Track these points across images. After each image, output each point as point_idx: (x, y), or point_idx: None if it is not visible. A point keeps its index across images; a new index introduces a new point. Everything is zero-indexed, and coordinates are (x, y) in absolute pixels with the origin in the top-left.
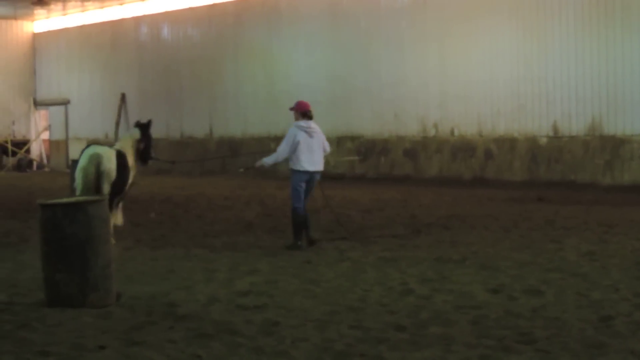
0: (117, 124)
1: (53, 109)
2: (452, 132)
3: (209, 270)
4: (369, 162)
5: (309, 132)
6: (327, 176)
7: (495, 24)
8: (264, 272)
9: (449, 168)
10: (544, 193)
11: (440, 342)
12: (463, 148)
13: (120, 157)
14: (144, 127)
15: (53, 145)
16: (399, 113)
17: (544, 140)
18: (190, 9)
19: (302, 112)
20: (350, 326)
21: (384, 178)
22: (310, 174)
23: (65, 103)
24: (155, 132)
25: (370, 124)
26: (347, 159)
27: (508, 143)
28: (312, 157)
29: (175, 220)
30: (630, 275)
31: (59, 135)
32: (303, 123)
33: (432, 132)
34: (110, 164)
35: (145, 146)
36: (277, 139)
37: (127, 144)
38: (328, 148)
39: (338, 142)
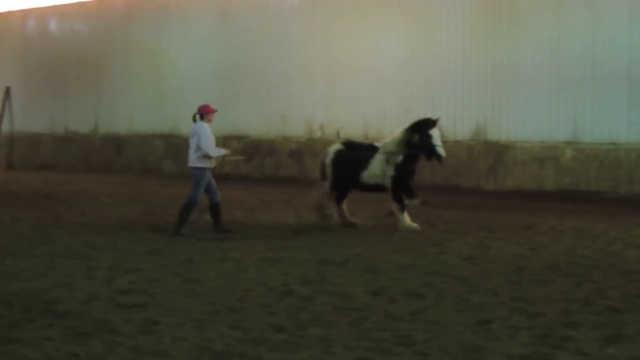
0: (1, 117)
1: None
2: (338, 134)
3: (90, 267)
4: (255, 162)
5: (191, 133)
6: (213, 176)
7: (383, 27)
8: (145, 271)
9: None
10: (428, 197)
11: (319, 344)
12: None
13: (339, 154)
14: (417, 126)
15: None
16: (285, 114)
17: None
18: (79, 4)
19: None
20: (230, 326)
21: (269, 179)
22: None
23: None
24: (40, 127)
25: (256, 124)
26: (233, 158)
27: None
28: (189, 155)
29: (57, 217)
30: (510, 280)
31: None
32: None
33: (318, 134)
34: (327, 159)
35: (419, 145)
36: (163, 137)
37: (392, 144)
38: (202, 147)
39: (224, 142)
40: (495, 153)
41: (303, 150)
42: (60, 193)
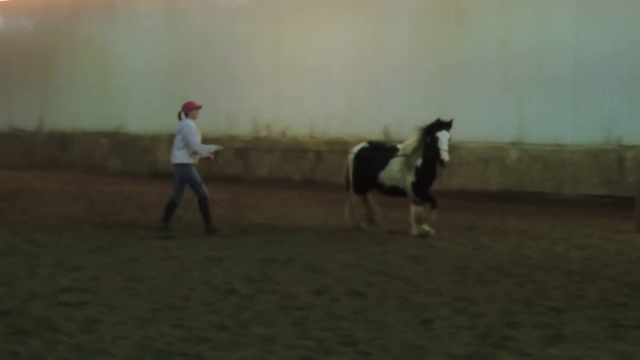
0: None
1: None
2: (283, 133)
3: (32, 265)
4: (200, 161)
5: (177, 130)
6: (158, 174)
7: (330, 27)
8: (88, 269)
9: (280, 169)
10: (373, 197)
11: (261, 343)
12: (294, 149)
13: (360, 152)
14: (429, 128)
15: None
16: (231, 112)
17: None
18: (25, 0)
19: None
20: (172, 325)
21: (214, 177)
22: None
23: None
24: None
25: (202, 122)
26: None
27: (339, 146)
28: (172, 151)
29: (0, 214)
30: (452, 280)
31: None
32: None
33: (264, 133)
34: (349, 157)
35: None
36: (109, 135)
37: (409, 147)
38: (190, 145)
39: (170, 140)
40: None
41: (248, 149)
42: (3, 190)
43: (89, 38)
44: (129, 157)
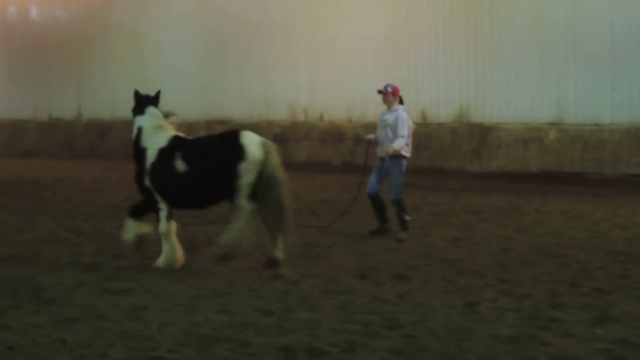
0: None
1: None
2: (321, 118)
3: (76, 254)
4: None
5: None
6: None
7: (365, 10)
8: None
9: (319, 153)
10: (413, 179)
11: (306, 327)
12: (332, 133)
13: None
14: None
15: None
16: (268, 98)
17: (413, 127)
18: None
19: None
20: (217, 310)
21: None
22: None
23: None
24: (23, 113)
25: (239, 108)
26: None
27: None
28: None
29: (42, 204)
30: (496, 261)
31: None
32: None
33: (301, 117)
34: None
35: None
36: None
37: None
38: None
39: (208, 126)
40: (479, 135)
41: (286, 134)
42: (45, 180)
43: (123, 26)
44: None
